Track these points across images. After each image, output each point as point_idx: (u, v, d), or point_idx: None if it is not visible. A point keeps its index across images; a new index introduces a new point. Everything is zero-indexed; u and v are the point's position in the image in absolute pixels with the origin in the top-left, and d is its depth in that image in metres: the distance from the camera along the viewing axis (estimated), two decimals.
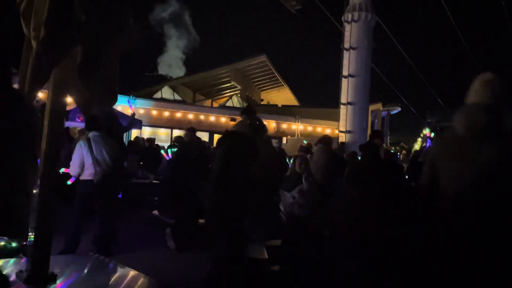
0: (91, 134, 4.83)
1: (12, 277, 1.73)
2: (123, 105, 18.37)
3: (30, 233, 1.72)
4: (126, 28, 1.67)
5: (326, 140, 6.55)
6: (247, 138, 3.48)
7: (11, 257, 1.97)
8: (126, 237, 5.69)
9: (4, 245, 1.86)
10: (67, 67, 1.67)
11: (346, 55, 19.11)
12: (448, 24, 21.79)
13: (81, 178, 4.82)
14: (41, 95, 6.28)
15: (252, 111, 4.78)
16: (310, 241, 3.62)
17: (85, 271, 2.23)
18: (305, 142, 14.66)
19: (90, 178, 4.77)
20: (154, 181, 8.42)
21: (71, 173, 4.86)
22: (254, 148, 3.41)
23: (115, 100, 1.89)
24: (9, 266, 2.11)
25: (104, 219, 4.98)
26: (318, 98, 37.48)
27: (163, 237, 5.57)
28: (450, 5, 20.89)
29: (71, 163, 4.81)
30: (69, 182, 5.32)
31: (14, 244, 2.85)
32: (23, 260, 1.96)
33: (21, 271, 1.70)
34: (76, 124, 9.62)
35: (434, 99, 26.96)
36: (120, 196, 5.49)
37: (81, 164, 4.75)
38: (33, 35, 1.56)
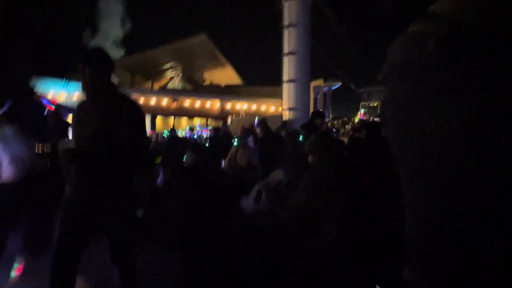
0: (5, 131, 4.36)
1: None
2: (56, 90, 17.26)
3: None
4: None
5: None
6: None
7: None
8: None
9: None
10: None
11: (285, 32, 19.11)
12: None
13: None
14: None
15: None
16: None
17: None
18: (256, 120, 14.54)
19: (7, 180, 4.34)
20: None
21: None
22: None
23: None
24: None
25: (31, 221, 4.60)
26: (262, 76, 37.40)
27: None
28: None
29: None
30: None
31: None
32: None
33: None
34: None
35: (373, 73, 27.89)
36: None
37: None
38: None
